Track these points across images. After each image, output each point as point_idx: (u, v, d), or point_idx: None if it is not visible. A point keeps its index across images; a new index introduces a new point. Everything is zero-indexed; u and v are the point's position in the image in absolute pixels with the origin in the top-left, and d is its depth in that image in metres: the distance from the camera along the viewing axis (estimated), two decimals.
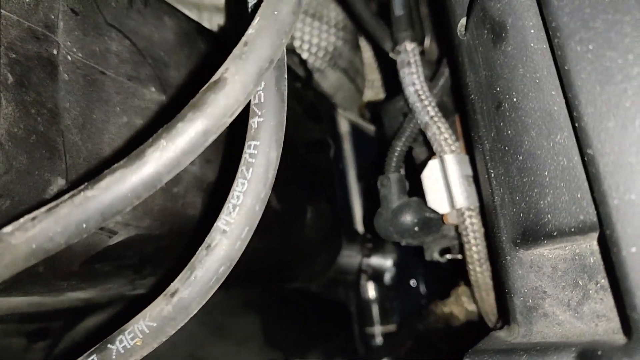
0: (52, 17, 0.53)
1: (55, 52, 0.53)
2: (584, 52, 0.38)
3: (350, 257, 1.16)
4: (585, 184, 0.40)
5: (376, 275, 1.18)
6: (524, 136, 0.45)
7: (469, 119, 0.58)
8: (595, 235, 0.41)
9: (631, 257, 0.35)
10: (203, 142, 0.39)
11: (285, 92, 0.47)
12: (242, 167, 0.45)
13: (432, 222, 0.78)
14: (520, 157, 0.46)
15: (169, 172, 0.38)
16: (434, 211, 0.75)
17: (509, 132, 0.47)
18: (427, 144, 0.78)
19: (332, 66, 1.29)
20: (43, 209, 0.37)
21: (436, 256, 0.84)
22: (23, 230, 0.37)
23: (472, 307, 0.85)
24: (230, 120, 0.40)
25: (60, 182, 0.51)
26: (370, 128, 1.39)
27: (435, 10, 0.87)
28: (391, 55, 0.85)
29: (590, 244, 0.44)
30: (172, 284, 0.45)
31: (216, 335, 0.99)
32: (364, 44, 1.41)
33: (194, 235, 0.68)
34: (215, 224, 0.45)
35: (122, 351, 0.45)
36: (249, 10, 0.50)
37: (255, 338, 1.06)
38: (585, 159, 0.38)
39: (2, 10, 0.48)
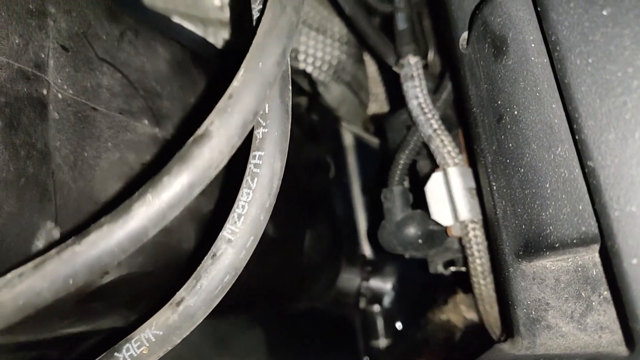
0: (42, 55, 0.52)
1: (45, 91, 0.51)
2: (583, 66, 0.38)
3: (349, 280, 1.15)
4: (587, 195, 0.40)
5: (375, 299, 1.17)
6: (525, 149, 0.46)
7: (471, 132, 0.59)
8: (596, 247, 0.42)
9: (632, 268, 0.35)
10: (189, 196, 0.39)
11: (290, 104, 0.48)
12: (247, 177, 0.45)
13: (436, 234, 0.78)
14: (522, 170, 0.46)
15: (155, 226, 0.38)
16: (437, 224, 0.76)
17: (510, 144, 0.47)
18: (431, 156, 0.78)
19: (336, 80, 1.30)
20: (30, 264, 0.37)
21: (440, 269, 0.84)
22: (10, 286, 0.37)
23: (470, 315, 0.84)
24: (217, 172, 0.40)
25: (50, 225, 0.49)
26: (374, 141, 1.39)
27: (437, 24, 0.87)
28: (394, 68, 0.86)
29: (592, 256, 0.44)
30: (177, 293, 0.46)
31: (220, 350, 0.99)
32: (368, 57, 1.42)
33: (190, 268, 0.67)
34: (220, 233, 0.45)
35: (129, 359, 0.45)
36: (254, 22, 0.50)
37: (258, 354, 1.06)
38: (586, 171, 0.39)
39: None
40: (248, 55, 0.42)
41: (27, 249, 0.47)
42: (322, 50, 1.28)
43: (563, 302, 0.46)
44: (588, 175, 0.38)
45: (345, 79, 1.32)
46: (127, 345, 0.45)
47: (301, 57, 1.26)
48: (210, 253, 0.46)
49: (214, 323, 0.74)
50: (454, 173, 0.72)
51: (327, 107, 1.28)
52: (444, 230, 0.77)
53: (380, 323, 1.24)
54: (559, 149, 0.43)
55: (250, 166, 0.46)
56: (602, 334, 0.43)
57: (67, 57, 0.55)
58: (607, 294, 0.43)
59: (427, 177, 0.76)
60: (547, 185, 0.44)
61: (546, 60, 0.44)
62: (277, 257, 0.87)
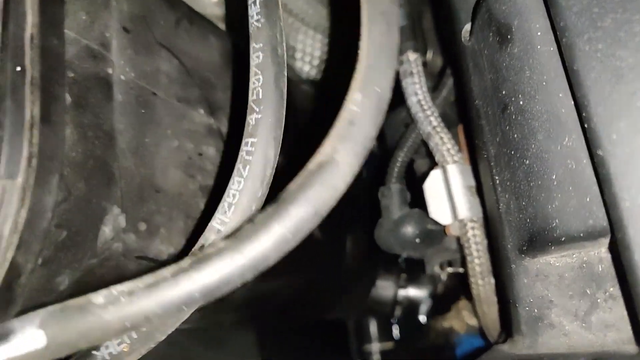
0: (107, 35, 0.51)
1: (110, 71, 0.51)
2: (593, 52, 0.37)
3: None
4: (595, 187, 0.39)
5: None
6: (530, 139, 0.44)
7: (473, 125, 0.57)
8: (604, 241, 0.40)
9: None
10: (312, 225, 0.36)
11: (285, 90, 0.46)
12: (238, 165, 0.44)
13: (434, 233, 0.77)
14: (527, 161, 0.45)
15: (277, 253, 0.35)
16: (435, 223, 0.74)
17: (515, 135, 0.46)
18: (429, 155, 0.77)
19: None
20: (141, 283, 0.34)
21: (437, 270, 0.82)
22: (118, 305, 0.33)
23: (473, 321, 0.83)
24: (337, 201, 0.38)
25: (116, 211, 0.48)
26: None
27: (438, 18, 0.86)
28: None
29: (598, 251, 0.42)
30: None
31: (209, 351, 0.97)
32: None
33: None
34: (209, 224, 0.43)
35: (108, 358, 0.42)
36: (250, 17, 0.49)
37: (249, 353, 1.04)
38: (595, 160, 0.37)
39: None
40: (363, 78, 0.39)
41: (95, 235, 0.46)
42: (320, 49, 1.26)
43: (567, 300, 0.45)
44: (597, 165, 0.37)
45: None
46: (107, 342, 0.43)
47: (298, 55, 1.24)
48: (198, 244, 0.44)
49: (205, 322, 0.72)
50: (453, 170, 0.70)
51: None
52: (442, 230, 0.75)
53: (373, 327, 1.22)
54: (566, 139, 0.41)
55: (242, 153, 0.44)
56: (607, 333, 0.42)
57: (128, 39, 0.54)
58: (613, 290, 0.42)
59: (425, 175, 0.74)
60: (554, 177, 0.42)
61: (553, 48, 0.43)
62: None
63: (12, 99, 0.40)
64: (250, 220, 0.35)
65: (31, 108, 0.41)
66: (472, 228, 0.69)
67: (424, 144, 0.77)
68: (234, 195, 0.43)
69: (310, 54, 1.26)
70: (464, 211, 0.68)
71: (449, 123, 0.77)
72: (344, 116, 0.38)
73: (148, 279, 0.34)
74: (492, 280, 0.68)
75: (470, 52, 0.54)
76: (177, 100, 0.58)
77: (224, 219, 0.43)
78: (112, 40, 0.52)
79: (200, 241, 0.44)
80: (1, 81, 0.40)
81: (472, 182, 0.71)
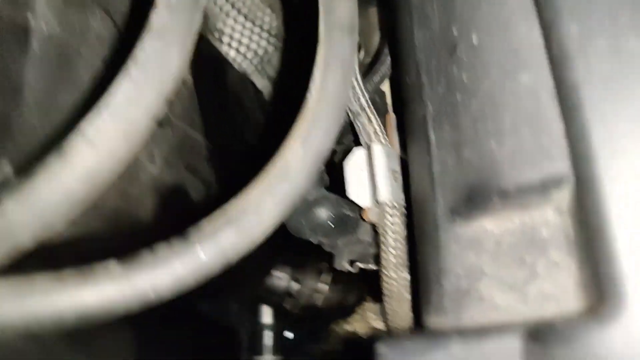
0: None
1: (31, 19, 0.47)
2: None
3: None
4: (555, 126, 0.33)
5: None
6: (482, 78, 0.39)
7: (410, 88, 0.52)
8: (556, 196, 0.34)
9: (615, 201, 0.28)
10: (218, 270, 0.35)
11: None
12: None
13: (349, 220, 0.70)
14: (476, 103, 0.39)
15: (171, 293, 0.34)
16: (352, 209, 0.68)
17: (464, 76, 0.40)
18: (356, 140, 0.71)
19: (260, 71, 1.23)
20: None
21: (346, 265, 0.75)
22: None
23: (378, 324, 0.76)
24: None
25: (6, 168, 0.44)
26: None
27: None
28: None
29: (544, 213, 0.37)
30: None
31: (75, 349, 0.84)
32: None
33: (144, 239, 0.60)
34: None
35: None
36: None
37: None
38: (563, 89, 0.32)
39: None
40: (307, 130, 0.38)
41: None
42: (248, 37, 1.19)
43: (502, 269, 0.38)
44: (565, 94, 0.32)
45: (269, 73, 1.24)
46: None
47: (225, 39, 1.17)
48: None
49: None
50: (378, 150, 0.64)
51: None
52: (358, 217, 0.69)
53: (267, 336, 1.13)
54: (525, 76, 0.36)
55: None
56: (545, 304, 0.36)
57: None
58: (557, 256, 0.36)
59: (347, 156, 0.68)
60: (507, 119, 0.36)
61: None
62: None
63: None
64: (152, 250, 0.33)
65: None
66: (392, 215, 0.63)
67: (350, 127, 0.71)
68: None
69: (238, 41, 1.19)
70: (385, 194, 0.62)
71: (377, 112, 0.72)
72: (279, 165, 0.36)
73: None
74: (407, 275, 0.63)
75: (416, 1, 0.49)
76: (102, 62, 0.55)
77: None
78: None
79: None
80: None
81: (397, 167, 0.65)
